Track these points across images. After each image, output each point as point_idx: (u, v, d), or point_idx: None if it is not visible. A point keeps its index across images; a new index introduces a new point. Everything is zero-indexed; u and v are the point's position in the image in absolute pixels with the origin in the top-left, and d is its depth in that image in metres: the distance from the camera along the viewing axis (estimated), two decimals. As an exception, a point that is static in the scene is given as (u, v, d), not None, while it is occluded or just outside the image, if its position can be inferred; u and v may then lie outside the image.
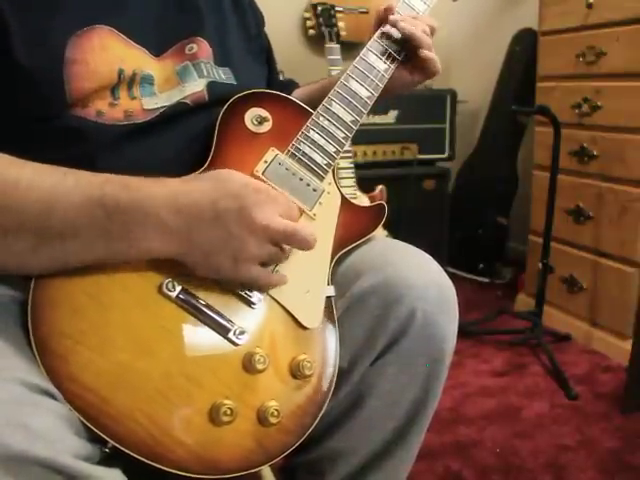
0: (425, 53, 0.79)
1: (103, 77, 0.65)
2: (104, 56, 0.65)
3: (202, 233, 0.58)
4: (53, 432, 0.47)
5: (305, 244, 0.62)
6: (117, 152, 0.65)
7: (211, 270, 0.60)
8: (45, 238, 0.54)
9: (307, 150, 0.72)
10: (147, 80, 0.69)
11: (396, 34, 0.80)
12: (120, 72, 0.66)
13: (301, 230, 0.62)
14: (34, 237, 0.54)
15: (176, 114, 0.70)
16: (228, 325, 0.61)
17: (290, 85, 0.97)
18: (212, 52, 0.75)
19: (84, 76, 0.63)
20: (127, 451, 0.53)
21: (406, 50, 0.81)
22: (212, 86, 0.73)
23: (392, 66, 0.80)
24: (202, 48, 0.74)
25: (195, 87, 0.72)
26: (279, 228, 0.60)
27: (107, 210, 0.55)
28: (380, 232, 0.75)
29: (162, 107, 0.69)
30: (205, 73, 0.73)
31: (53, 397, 0.50)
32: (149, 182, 0.58)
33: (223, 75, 0.76)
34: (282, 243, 0.62)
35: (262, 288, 0.65)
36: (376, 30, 0.81)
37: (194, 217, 0.57)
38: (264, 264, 0.63)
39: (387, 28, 0.81)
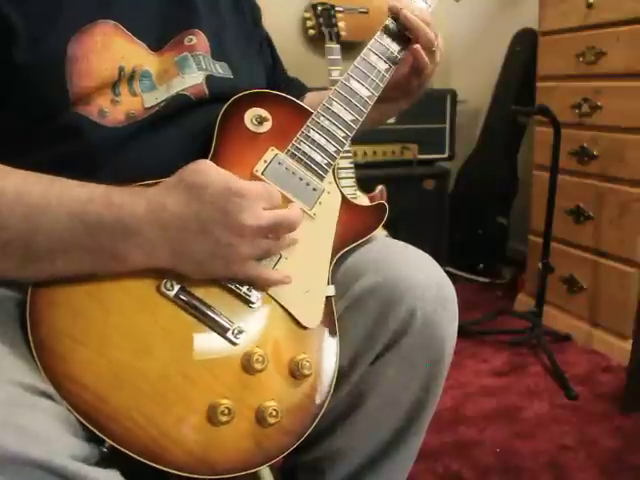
0: (420, 51, 0.76)
1: (104, 75, 0.65)
2: (105, 53, 0.65)
3: (190, 245, 0.58)
4: (49, 433, 0.47)
5: (293, 227, 0.63)
6: (118, 152, 0.65)
7: (205, 275, 0.60)
8: (31, 256, 0.54)
9: (307, 150, 0.71)
10: (146, 76, 0.69)
11: (397, 35, 0.79)
12: (121, 69, 0.66)
13: (286, 216, 0.62)
14: (20, 255, 0.54)
15: (176, 110, 0.70)
16: (227, 324, 0.61)
17: (298, 86, 0.97)
18: (209, 46, 0.75)
19: (85, 74, 0.63)
20: (125, 451, 0.52)
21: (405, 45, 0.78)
22: (211, 80, 0.73)
23: (393, 66, 0.79)
24: (200, 41, 0.74)
25: (194, 79, 0.72)
26: (267, 223, 0.60)
27: (90, 230, 0.55)
28: (380, 232, 0.74)
29: (162, 101, 0.69)
30: (203, 66, 0.73)
31: (50, 398, 0.50)
32: (130, 196, 0.57)
33: (220, 70, 0.76)
34: (273, 234, 0.62)
35: (262, 285, 0.64)
36: None
37: (179, 230, 0.57)
38: (262, 258, 0.63)
39: (388, 27, 0.80)
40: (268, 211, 0.60)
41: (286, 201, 0.68)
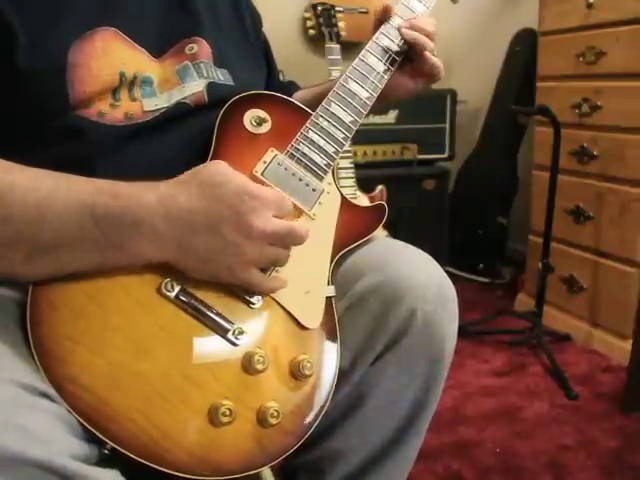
0: (431, 59, 0.79)
1: (105, 80, 0.65)
2: (106, 59, 0.65)
3: (197, 240, 0.58)
4: (50, 433, 0.47)
5: (299, 241, 0.63)
6: (116, 153, 0.65)
7: (208, 275, 0.60)
8: (38, 248, 0.54)
9: (306, 150, 0.72)
10: (147, 82, 0.69)
11: (396, 36, 0.80)
12: (121, 75, 0.66)
13: (296, 229, 0.62)
14: (27, 247, 0.54)
15: (176, 115, 0.70)
16: (227, 325, 0.61)
17: (290, 86, 0.97)
18: (211, 53, 0.75)
19: (86, 80, 0.63)
20: (126, 452, 0.52)
21: (409, 54, 0.80)
22: (211, 87, 0.73)
23: (392, 67, 0.79)
24: (202, 48, 0.74)
25: (195, 87, 0.72)
26: (275, 231, 0.60)
27: (98, 221, 0.55)
28: (380, 232, 0.74)
29: (162, 108, 0.69)
30: (205, 74, 0.73)
31: (50, 398, 0.50)
32: (140, 188, 0.57)
33: (222, 76, 0.76)
34: (278, 244, 0.62)
35: (261, 293, 0.64)
36: (375, 30, 0.81)
37: (187, 225, 0.57)
38: (264, 267, 0.63)
39: (386, 29, 0.80)
40: (278, 219, 0.61)
41: (297, 211, 0.68)
